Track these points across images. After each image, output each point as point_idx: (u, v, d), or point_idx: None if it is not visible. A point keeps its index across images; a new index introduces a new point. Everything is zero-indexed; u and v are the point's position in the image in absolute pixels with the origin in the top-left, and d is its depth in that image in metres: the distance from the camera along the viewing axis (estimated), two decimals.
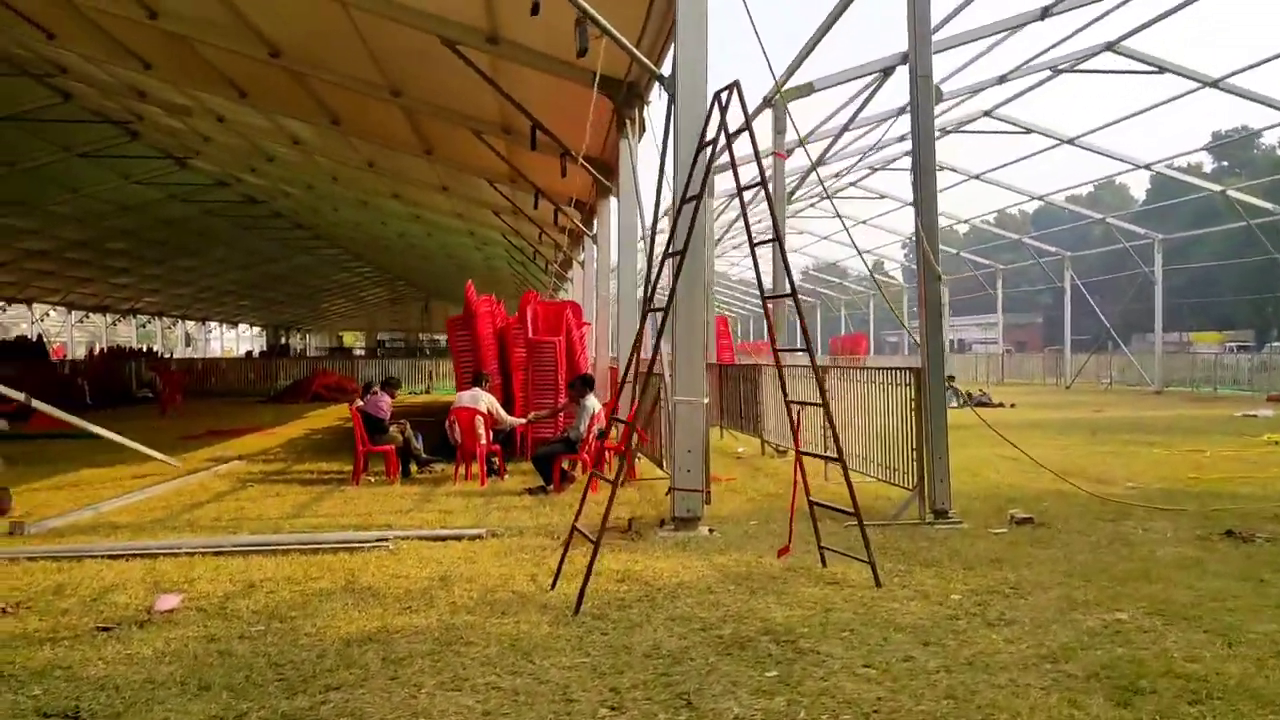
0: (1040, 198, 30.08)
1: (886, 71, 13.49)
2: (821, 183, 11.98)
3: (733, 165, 6.64)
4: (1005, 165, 27.91)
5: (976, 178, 29.48)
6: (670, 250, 6.73)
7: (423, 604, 5.38)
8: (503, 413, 11.08)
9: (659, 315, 6.92)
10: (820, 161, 16.09)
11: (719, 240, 34.18)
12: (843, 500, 9.18)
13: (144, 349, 43.79)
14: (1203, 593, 5.60)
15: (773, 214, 6.39)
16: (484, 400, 10.97)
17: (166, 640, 4.68)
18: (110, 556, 6.49)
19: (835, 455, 6.35)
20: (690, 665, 4.35)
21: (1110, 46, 18.73)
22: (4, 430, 16.52)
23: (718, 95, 6.40)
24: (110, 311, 43.71)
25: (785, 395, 6.62)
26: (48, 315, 45.29)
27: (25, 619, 5.07)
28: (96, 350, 38.11)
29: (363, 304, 67.99)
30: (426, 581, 5.92)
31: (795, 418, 6.57)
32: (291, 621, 5.02)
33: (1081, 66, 19.76)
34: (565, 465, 9.91)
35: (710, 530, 7.58)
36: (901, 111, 18.78)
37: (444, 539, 7.24)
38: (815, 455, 6.83)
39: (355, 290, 60.05)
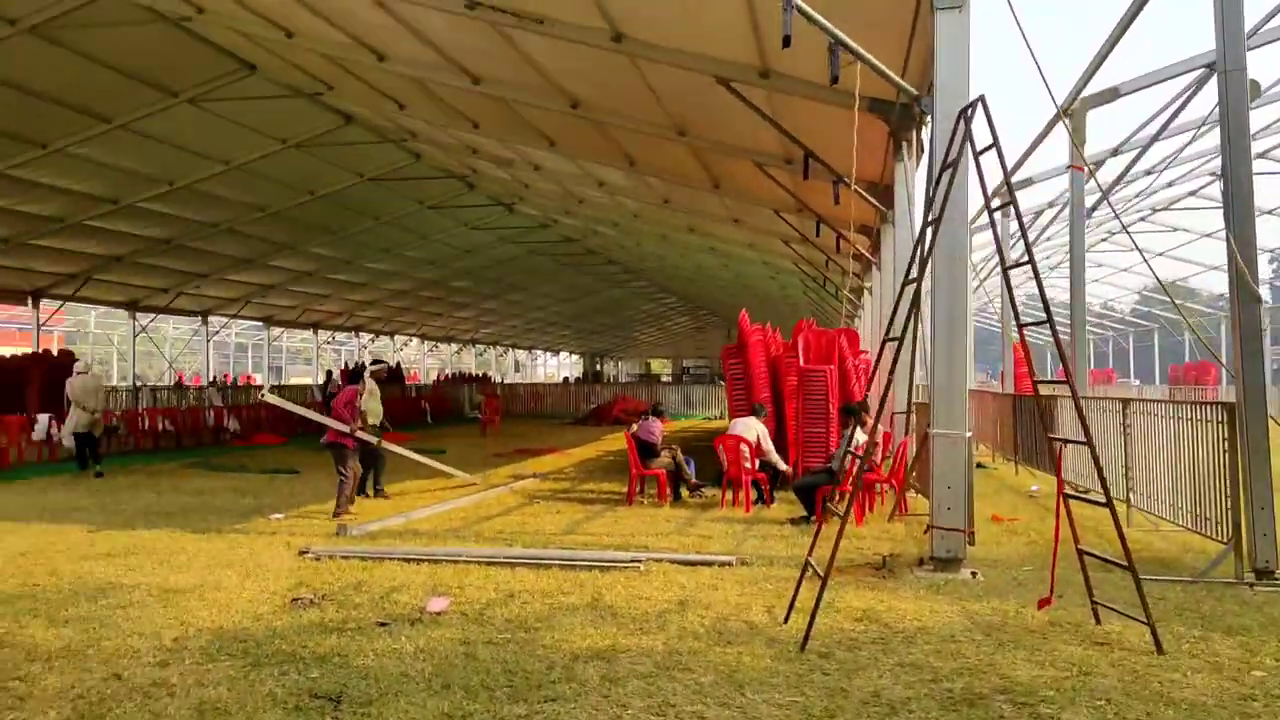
0: None
1: (1210, 67, 11.83)
2: (1111, 207, 10.71)
3: (981, 184, 6.19)
4: None
5: None
6: (907, 277, 6.42)
7: (655, 626, 5.56)
8: (770, 446, 11.11)
9: (912, 345, 6.62)
10: (1121, 177, 14.44)
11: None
12: (1132, 550, 8.16)
13: (477, 375, 49.10)
14: None
15: (1024, 234, 5.80)
16: (755, 429, 11.08)
17: (428, 639, 5.26)
18: (404, 559, 7.40)
19: (1105, 500, 5.66)
20: (908, 718, 4.10)
21: None
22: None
23: (963, 112, 6.05)
24: (455, 341, 49.51)
25: (1047, 430, 6.01)
26: (407, 345, 52.46)
27: (325, 609, 5.95)
28: (438, 376, 43.32)
29: (668, 332, 71.18)
30: (665, 604, 6.10)
31: (1058, 453, 5.96)
32: (535, 632, 5.41)
33: None
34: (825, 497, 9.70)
35: (973, 574, 7.07)
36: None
37: (694, 564, 7.41)
38: (1080, 498, 6.08)
39: (662, 320, 63.08)
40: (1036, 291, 5.84)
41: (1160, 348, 57.63)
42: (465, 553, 7.55)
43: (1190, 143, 15.00)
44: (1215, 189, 28.79)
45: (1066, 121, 11.47)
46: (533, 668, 4.73)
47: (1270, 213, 29.70)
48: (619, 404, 30.70)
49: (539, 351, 72.65)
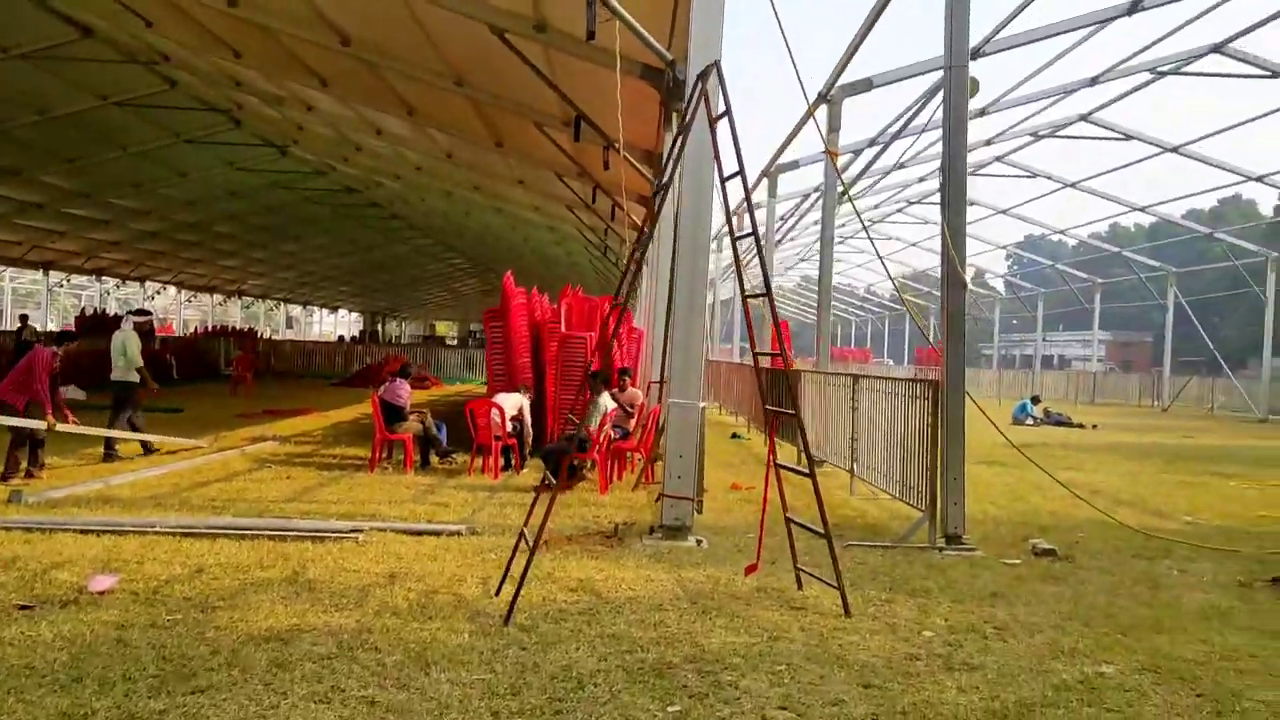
0: (1142, 208, 28.28)
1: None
2: (850, 199, 11.29)
3: (715, 154, 6.20)
4: (1101, 174, 26.33)
5: (1072, 185, 27.98)
6: (637, 245, 6.37)
7: (353, 603, 5.18)
8: (528, 416, 10.91)
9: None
10: (866, 169, 15.36)
11: (780, 241, 33.59)
12: (848, 517, 8.74)
13: (242, 330, 45.59)
14: (1216, 649, 4.94)
15: (750, 210, 5.86)
16: (518, 402, 10.85)
17: (76, 624, 4.60)
18: (81, 531, 6.54)
19: (808, 471, 5.87)
20: (592, 692, 4.00)
21: (1217, 48, 17.40)
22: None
23: (700, 75, 6.00)
24: (218, 292, 45.63)
25: (764, 401, 6.16)
26: (160, 293, 47.66)
27: None
28: (196, 330, 39.79)
29: (456, 294, 69.35)
30: (373, 578, 5.73)
31: (770, 424, 6.13)
32: (211, 613, 4.88)
33: (1186, 69, 18.44)
34: (575, 464, 9.65)
35: (699, 541, 7.20)
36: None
37: (420, 534, 7.07)
38: (790, 469, 6.30)
39: (449, 280, 61.22)
40: (812, 269, 5.96)
41: (909, 331, 63.08)
42: (158, 523, 6.77)
43: (935, 143, 16.12)
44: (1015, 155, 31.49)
45: (817, 117, 11.96)
46: (194, 653, 4.23)
47: (1005, 212, 32.99)
48: (389, 365, 29.42)
49: (315, 308, 68.72)
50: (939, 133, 14.15)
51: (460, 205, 28.73)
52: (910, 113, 13.57)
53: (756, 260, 6.31)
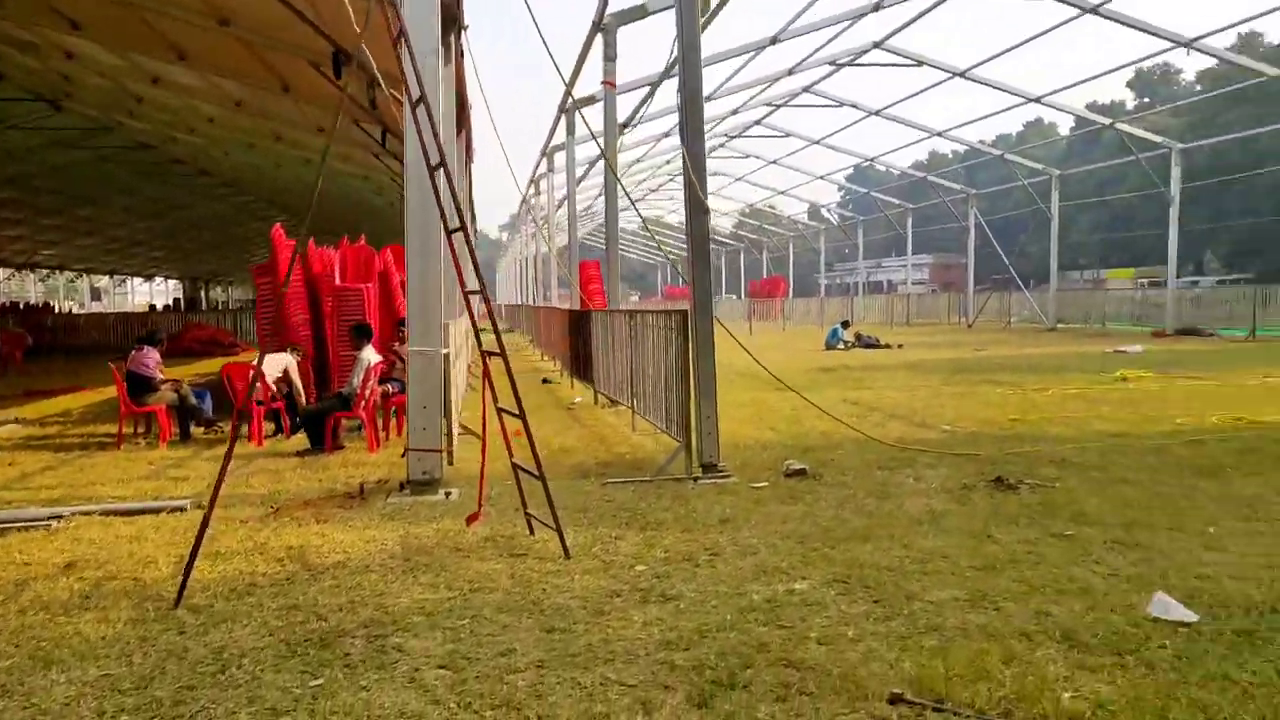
0: (940, 133, 29.60)
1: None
2: (619, 132, 11.06)
3: (415, 79, 5.74)
4: (901, 100, 27.35)
5: (876, 114, 28.91)
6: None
7: (1, 598, 4.62)
8: (296, 377, 10.23)
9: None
10: (645, 102, 15.16)
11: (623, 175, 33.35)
12: (622, 454, 8.69)
13: (34, 305, 41.51)
14: (913, 553, 5.10)
15: (436, 137, 5.43)
16: (284, 362, 10.15)
17: None
18: None
19: (518, 412, 5.65)
20: (232, 675, 3.66)
21: None
22: None
23: None
24: (5, 265, 41.27)
25: (479, 345, 5.86)
26: None
27: None
28: None
29: None
30: (43, 570, 5.15)
31: (484, 367, 5.87)
32: None
33: None
34: (338, 424, 9.14)
35: (448, 494, 6.92)
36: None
37: (134, 514, 6.46)
38: (508, 411, 6.04)
39: None
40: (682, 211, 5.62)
41: (745, 266, 64.57)
42: None
43: (737, 73, 15.92)
44: (777, 118, 32.04)
45: (594, 45, 11.60)
46: None
47: (818, 142, 33.79)
48: (190, 332, 27.53)
49: (128, 277, 63.55)
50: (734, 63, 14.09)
51: (269, 158, 26.81)
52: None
53: (461, 193, 5.93)
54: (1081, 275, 78.19)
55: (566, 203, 19.81)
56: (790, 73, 23.51)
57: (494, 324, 5.75)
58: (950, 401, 11.96)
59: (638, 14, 11.98)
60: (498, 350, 5.63)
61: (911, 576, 4.71)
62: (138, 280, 77.07)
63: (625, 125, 14.07)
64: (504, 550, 5.41)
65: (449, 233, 5.66)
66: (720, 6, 8.11)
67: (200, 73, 15.28)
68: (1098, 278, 72.49)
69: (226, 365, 9.98)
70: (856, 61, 24.02)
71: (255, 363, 10.07)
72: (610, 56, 11.88)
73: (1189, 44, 19.22)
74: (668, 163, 38.75)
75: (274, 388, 9.90)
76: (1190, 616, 4.00)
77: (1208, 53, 20.12)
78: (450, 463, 7.36)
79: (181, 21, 12.34)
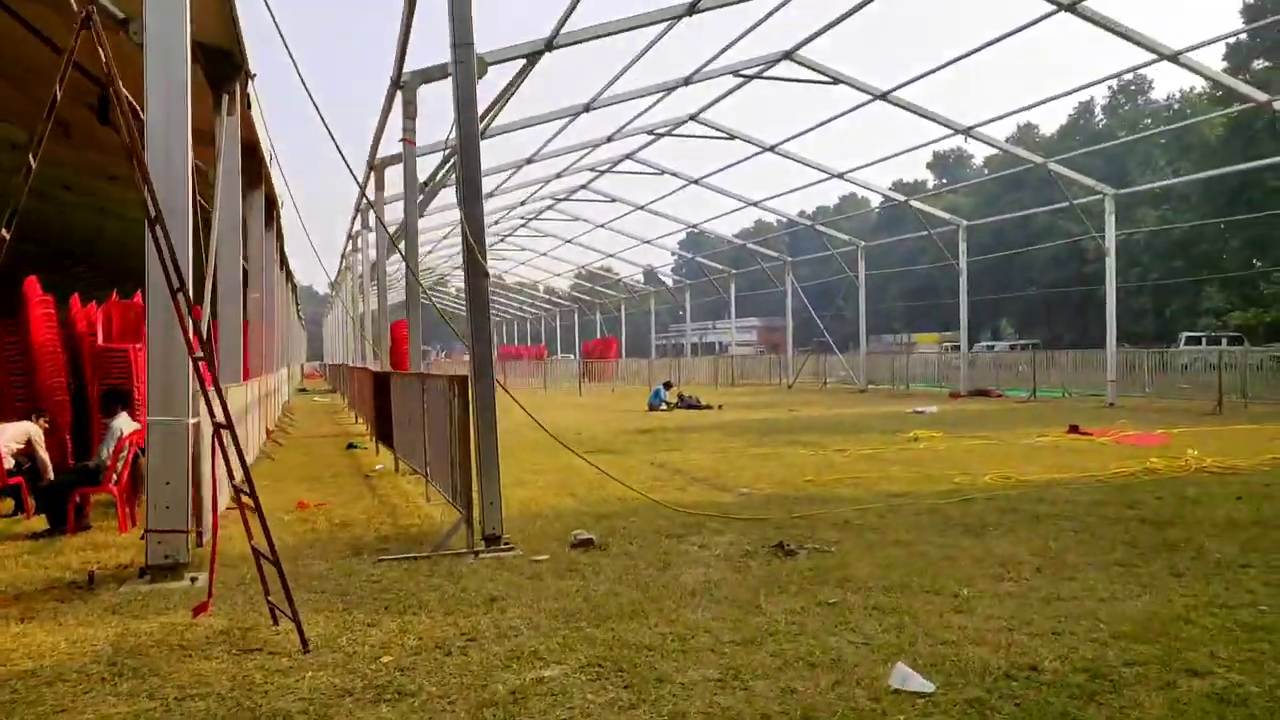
0: (756, 203, 30.93)
1: (531, 57, 12.68)
2: (420, 193, 10.79)
3: (129, 137, 5.20)
4: (719, 171, 28.44)
5: (695, 182, 29.91)
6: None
7: None
8: (40, 449, 9.12)
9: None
10: (446, 162, 14.97)
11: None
12: (409, 526, 8.21)
13: None
14: (678, 629, 4.94)
15: (149, 188, 4.84)
16: (27, 431, 9.02)
17: None
18: None
19: (250, 492, 5.16)
20: None
21: (788, 55, 19.18)
22: None
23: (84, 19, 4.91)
24: None
25: (211, 412, 5.30)
26: None
27: None
28: None
29: None
30: None
31: (212, 441, 5.35)
32: None
33: (767, 74, 20.18)
34: (78, 500, 8.17)
35: (193, 579, 6.22)
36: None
37: None
38: (241, 491, 5.50)
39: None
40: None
41: (579, 326, 64.94)
42: None
43: (552, 138, 15.92)
44: (605, 183, 32.56)
45: (395, 104, 11.31)
46: None
47: (642, 208, 34.53)
48: None
49: None
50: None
51: (54, 208, 24.58)
52: (500, 100, 13.34)
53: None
54: (896, 339, 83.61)
55: (379, 259, 19.17)
56: (609, 139, 23.95)
57: (219, 391, 5.21)
58: (753, 463, 12.16)
59: (437, 73, 11.75)
60: (225, 423, 5.10)
61: (670, 656, 4.53)
62: None
63: (427, 183, 13.75)
64: (236, 646, 4.85)
65: (174, 291, 5.12)
66: (484, 66, 7.97)
67: None
68: (909, 341, 77.62)
69: None
70: (674, 132, 24.80)
71: None
72: (410, 114, 11.58)
73: (966, 131, 21.00)
74: (496, 223, 38.60)
75: (10, 461, 8.77)
76: (928, 687, 4.01)
77: (984, 140, 22.05)
78: (200, 544, 6.66)
79: None
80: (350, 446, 15.55)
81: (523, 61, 12.61)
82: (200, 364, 5.08)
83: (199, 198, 11.93)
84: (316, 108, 6.99)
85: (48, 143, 13.72)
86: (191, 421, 6.45)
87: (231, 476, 5.22)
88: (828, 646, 4.62)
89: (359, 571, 6.49)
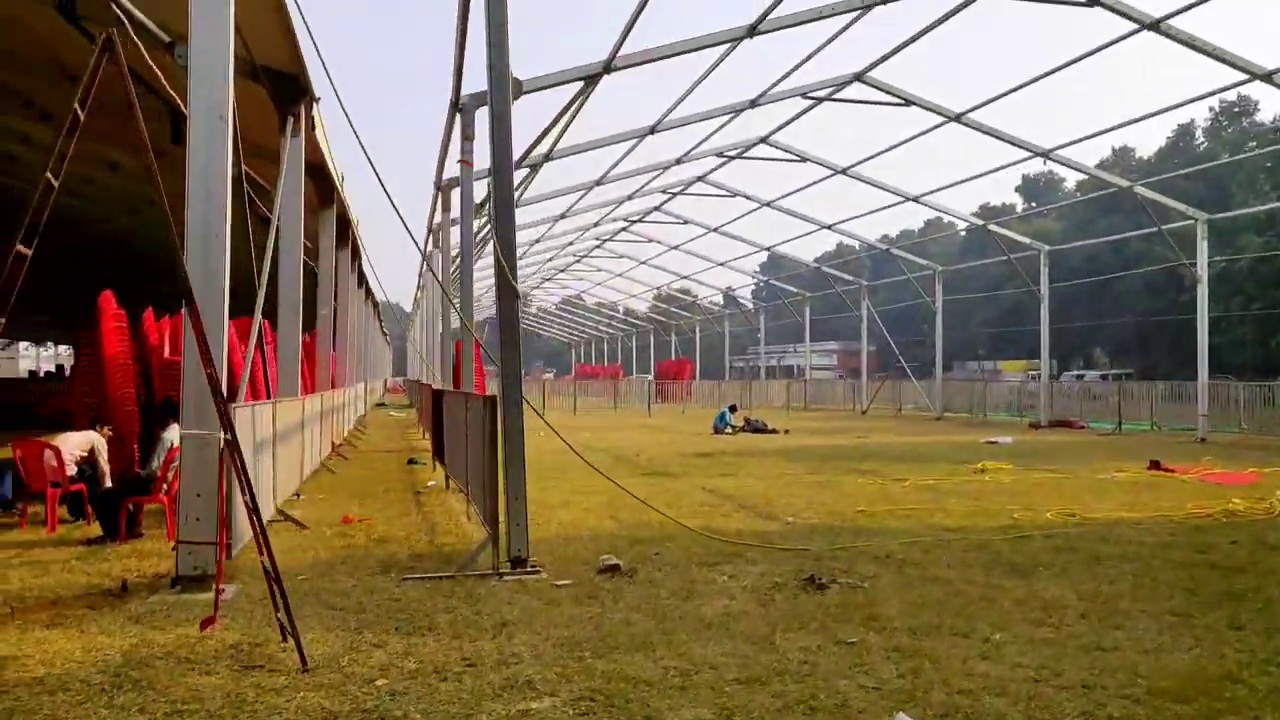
0: (829, 227, 30.46)
1: (590, 80, 12.74)
2: (491, 213, 10.89)
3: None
4: (788, 195, 28.14)
5: (768, 204, 29.64)
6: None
7: None
8: (103, 457, 9.45)
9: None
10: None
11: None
12: (445, 545, 8.17)
13: None
14: (683, 664, 4.76)
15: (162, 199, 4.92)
16: (92, 440, 9.38)
17: None
18: None
19: (252, 505, 5.18)
20: None
21: (858, 77, 18.87)
22: None
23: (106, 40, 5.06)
24: None
25: (225, 430, 5.35)
26: None
27: None
28: None
29: None
30: None
31: (221, 454, 5.40)
32: None
33: (838, 96, 19.90)
34: (131, 508, 8.43)
35: (221, 591, 6.30)
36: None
37: None
38: (253, 508, 5.52)
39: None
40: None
41: (655, 346, 64.99)
42: None
43: (618, 163, 15.89)
44: (676, 205, 32.58)
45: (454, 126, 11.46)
46: None
47: (716, 230, 34.37)
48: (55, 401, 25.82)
49: (12, 340, 60.25)
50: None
51: (137, 223, 25.83)
52: (558, 121, 13.44)
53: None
54: (980, 366, 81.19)
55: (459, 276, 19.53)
56: (678, 161, 23.92)
57: (225, 408, 5.27)
58: (806, 491, 11.83)
59: (515, 94, 11.88)
60: (232, 439, 5.15)
61: (668, 693, 4.36)
62: (24, 345, 73.31)
63: (483, 204, 13.89)
64: (241, 661, 4.86)
65: (187, 304, 5.22)
66: (519, 89, 7.91)
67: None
68: (994, 369, 75.26)
69: (18, 443, 9.15)
70: (745, 155, 24.65)
71: (54, 440, 9.35)
72: (468, 136, 11.72)
73: (1045, 154, 20.30)
74: (570, 244, 38.98)
75: (73, 468, 9.12)
76: None
77: (1064, 162, 21.26)
78: (230, 556, 6.76)
79: (44, 80, 11.81)
80: (410, 462, 15.76)
81: (580, 84, 12.66)
82: (211, 378, 5.15)
83: (261, 214, 12.29)
84: (378, 176, 7.11)
85: (136, 162, 14.17)
86: (225, 436, 6.56)
87: (244, 491, 5.24)
88: (835, 690, 4.38)
89: (382, 590, 6.49)
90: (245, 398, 8.43)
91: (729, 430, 23.52)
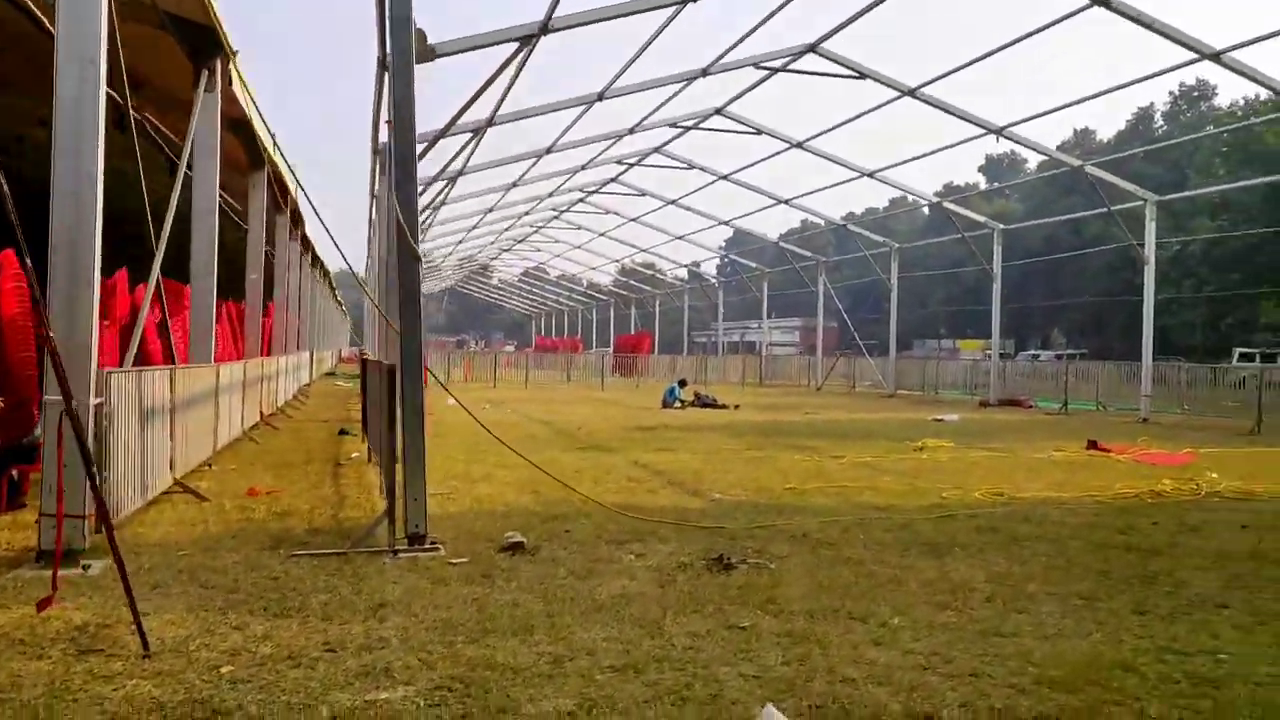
0: (787, 201, 30.21)
1: (525, 41, 12.27)
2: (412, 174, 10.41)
3: None
4: (745, 168, 27.83)
5: (724, 178, 29.31)
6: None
7: None
8: None
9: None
10: (435, 140, 14.60)
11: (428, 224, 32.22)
12: (353, 519, 7.77)
13: None
14: (560, 649, 4.48)
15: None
16: None
17: None
18: None
19: (91, 475, 4.79)
20: None
21: (812, 48, 18.54)
22: None
23: None
24: None
25: (64, 394, 4.94)
26: None
27: None
28: None
29: None
30: None
31: (59, 425, 5.00)
32: None
33: (793, 67, 19.55)
34: (15, 476, 7.97)
35: (86, 567, 5.92)
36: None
37: None
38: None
39: None
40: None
41: (619, 320, 64.66)
42: None
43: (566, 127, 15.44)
44: (633, 177, 32.12)
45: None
46: None
47: (673, 202, 34.01)
48: None
49: None
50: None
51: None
52: (491, 84, 12.95)
53: None
54: (939, 344, 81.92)
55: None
56: (631, 131, 23.46)
57: (61, 374, 4.87)
58: (740, 467, 11.61)
59: (425, 55, 11.36)
60: (67, 407, 4.74)
61: (534, 681, 4.07)
62: None
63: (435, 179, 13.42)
64: (80, 645, 4.49)
65: (20, 262, 4.79)
66: (426, 45, 7.40)
67: None
68: (952, 347, 75.97)
69: None
70: (700, 126, 24.26)
71: None
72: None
73: (999, 131, 20.15)
74: (527, 213, 38.37)
75: None
76: None
77: (1018, 140, 21.14)
78: (97, 530, 6.34)
79: None
80: (342, 433, 15.31)
81: (515, 45, 12.18)
82: (49, 344, 4.73)
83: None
84: (306, 193, 6.63)
85: None
86: (94, 402, 6.15)
87: (87, 463, 4.84)
88: (712, 678, 4.12)
89: (265, 567, 6.12)
90: (132, 361, 7.96)
91: (678, 405, 23.30)
